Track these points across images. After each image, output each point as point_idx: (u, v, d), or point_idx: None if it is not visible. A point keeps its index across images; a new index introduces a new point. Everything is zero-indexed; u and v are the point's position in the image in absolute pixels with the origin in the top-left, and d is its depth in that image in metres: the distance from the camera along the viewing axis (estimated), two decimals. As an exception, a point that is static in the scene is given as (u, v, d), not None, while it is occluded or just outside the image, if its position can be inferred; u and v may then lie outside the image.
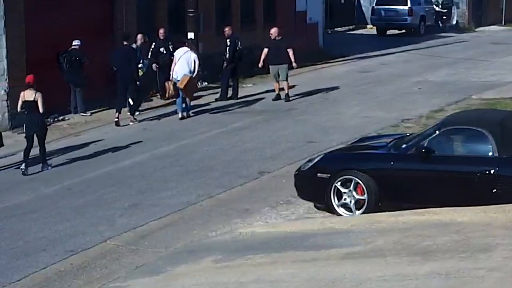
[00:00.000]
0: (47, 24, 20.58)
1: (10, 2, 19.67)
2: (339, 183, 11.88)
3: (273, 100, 22.16)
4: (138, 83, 20.38)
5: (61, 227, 12.36)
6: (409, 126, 18.00)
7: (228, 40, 22.80)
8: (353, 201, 11.83)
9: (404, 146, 11.88)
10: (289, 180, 13.27)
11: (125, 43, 20.40)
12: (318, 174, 12.08)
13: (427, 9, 40.55)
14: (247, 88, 24.30)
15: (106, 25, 22.88)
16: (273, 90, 22.40)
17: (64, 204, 13.63)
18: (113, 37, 22.76)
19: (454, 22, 43.41)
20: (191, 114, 20.52)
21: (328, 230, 10.68)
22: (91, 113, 20.82)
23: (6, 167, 16.39)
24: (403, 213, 10.86)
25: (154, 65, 22.16)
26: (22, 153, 15.90)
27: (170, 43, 22.23)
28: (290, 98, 22.05)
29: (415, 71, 27.39)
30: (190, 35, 23.33)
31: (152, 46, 22.41)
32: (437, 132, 11.64)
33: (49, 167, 15.99)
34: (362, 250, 9.48)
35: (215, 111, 21.24)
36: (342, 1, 41.70)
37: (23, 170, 15.69)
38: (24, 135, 16.16)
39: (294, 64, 22.08)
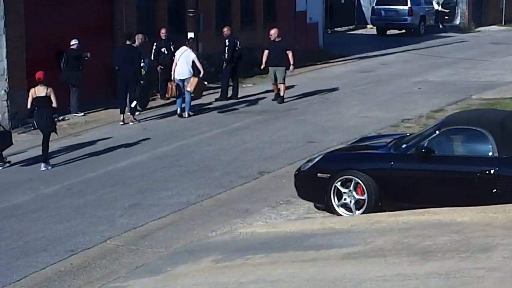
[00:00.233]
0: (47, 24, 20.59)
1: (10, 2, 19.67)
2: (339, 183, 11.88)
3: (273, 100, 22.12)
4: (142, 82, 20.40)
5: (61, 227, 12.36)
6: (409, 126, 18.01)
7: (227, 40, 22.80)
8: (353, 201, 11.83)
9: (404, 146, 11.88)
10: (289, 180, 13.27)
11: (127, 42, 20.41)
12: (318, 174, 12.08)
13: (427, 9, 40.56)
14: (247, 88, 24.31)
15: (106, 25, 22.87)
16: (273, 90, 22.34)
17: (64, 204, 13.64)
18: (113, 37, 22.76)
19: (458, 22, 43.39)
20: (191, 113, 20.53)
21: (328, 230, 10.68)
22: (84, 113, 20.77)
23: (7, 166, 16.39)
24: (403, 213, 10.86)
25: (158, 67, 22.19)
26: (41, 148, 16.12)
27: (171, 43, 22.24)
28: (285, 100, 21.94)
29: (415, 71, 27.40)
30: (190, 35, 23.34)
31: (154, 47, 22.43)
32: (437, 132, 11.64)
33: (50, 167, 16.01)
34: (362, 250, 9.48)
35: (224, 109, 21.26)
36: (342, 1, 41.70)
37: (43, 169, 15.90)
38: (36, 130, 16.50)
39: (291, 68, 21.98)
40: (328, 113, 20.35)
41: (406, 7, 38.86)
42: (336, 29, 40.95)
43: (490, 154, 11.20)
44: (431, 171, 11.38)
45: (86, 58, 20.75)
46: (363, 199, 11.74)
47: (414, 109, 20.32)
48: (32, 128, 17.10)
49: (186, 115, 20.42)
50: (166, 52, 22.13)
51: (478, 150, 11.46)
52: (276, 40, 22.22)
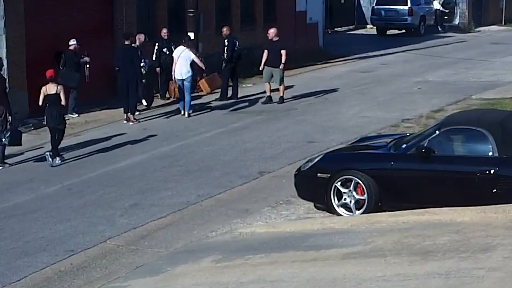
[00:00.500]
0: (47, 24, 20.60)
1: (10, 2, 19.67)
2: (339, 183, 11.87)
3: (262, 103, 21.74)
4: (143, 80, 20.40)
5: (61, 227, 12.36)
6: (409, 126, 18.00)
7: (226, 40, 22.79)
8: (353, 201, 11.83)
9: (404, 146, 11.88)
10: (289, 180, 13.27)
11: (126, 42, 20.43)
12: (318, 174, 12.07)
13: (427, 9, 40.55)
14: (247, 88, 24.30)
15: (106, 25, 22.88)
16: (276, 90, 22.01)
17: (64, 204, 13.64)
18: (113, 37, 22.76)
19: (457, 22, 43.39)
20: (190, 113, 20.57)
21: (328, 230, 10.68)
22: (79, 115, 20.73)
23: (7, 166, 16.40)
24: (403, 213, 10.86)
25: (158, 69, 22.22)
26: (50, 145, 16.43)
27: (172, 43, 22.24)
28: (285, 100, 21.81)
29: (415, 71, 27.40)
30: (190, 35, 23.35)
31: (156, 47, 22.44)
32: (437, 132, 11.64)
33: (60, 162, 16.30)
34: (362, 250, 9.48)
35: (224, 109, 21.27)
36: (342, 1, 41.70)
37: (57, 164, 16.17)
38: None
39: (280, 66, 21.56)
40: (328, 113, 20.35)
41: (406, 7, 38.84)
42: (336, 29, 40.94)
43: (490, 154, 11.19)
44: (431, 171, 11.38)
45: (87, 65, 20.67)
46: (363, 199, 11.74)
47: (414, 109, 20.32)
48: (44, 123, 17.41)
49: (186, 115, 20.43)
50: (167, 53, 22.13)
51: (478, 150, 11.45)
52: (274, 39, 22.02)
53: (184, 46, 20.95)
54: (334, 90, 23.74)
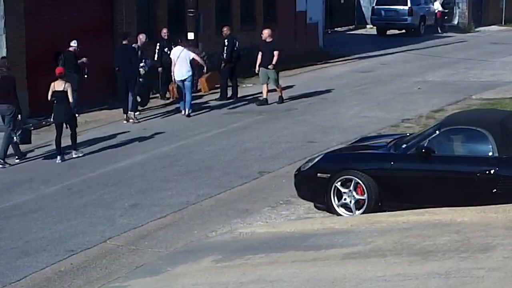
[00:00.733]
0: (47, 24, 20.59)
1: (10, 2, 19.67)
2: (339, 183, 11.87)
3: (257, 105, 21.61)
4: (141, 80, 20.39)
5: (61, 227, 12.36)
6: (409, 126, 18.00)
7: (226, 40, 22.78)
8: (353, 201, 11.82)
9: (404, 146, 11.88)
10: (289, 180, 13.27)
11: (124, 42, 20.43)
12: (318, 174, 12.07)
13: (427, 9, 40.56)
14: (247, 88, 24.30)
15: (106, 25, 22.88)
16: (274, 90, 22.15)
17: (64, 204, 13.64)
18: (113, 37, 22.77)
19: (456, 22, 43.40)
20: (190, 112, 20.58)
21: (328, 230, 10.68)
22: (79, 115, 20.63)
23: (7, 166, 16.41)
24: (403, 213, 10.86)
25: (160, 68, 22.21)
26: (54, 142, 16.64)
27: (172, 43, 22.25)
28: (285, 100, 21.78)
29: (415, 71, 27.40)
30: (190, 35, 23.35)
31: (157, 47, 22.45)
32: (437, 132, 11.64)
33: (81, 154, 16.75)
34: (362, 250, 9.48)
35: (224, 109, 21.27)
36: (342, 1, 41.71)
37: (59, 162, 16.41)
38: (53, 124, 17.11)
39: (270, 66, 21.35)
40: (328, 113, 20.35)
41: (406, 7, 38.85)
42: (336, 29, 40.96)
43: (490, 154, 11.19)
44: (431, 171, 11.38)
45: (85, 68, 20.62)
46: (363, 199, 11.74)
47: (414, 109, 20.32)
48: (51, 121, 17.59)
49: (187, 113, 20.46)
50: (168, 52, 22.13)
51: (478, 150, 11.45)
52: (267, 40, 21.86)
53: (181, 45, 20.96)
54: (334, 90, 23.74)
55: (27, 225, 12.58)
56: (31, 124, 19.17)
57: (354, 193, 11.80)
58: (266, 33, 22.03)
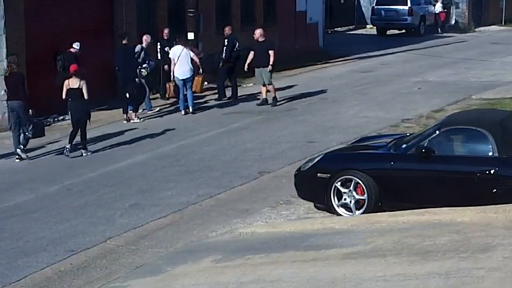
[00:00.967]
0: (47, 24, 20.59)
1: (10, 2, 19.67)
2: (339, 183, 11.87)
3: (257, 105, 21.62)
4: (137, 80, 20.36)
5: (61, 227, 12.36)
6: (409, 126, 18.00)
7: (226, 40, 22.77)
8: (353, 201, 11.82)
9: (404, 146, 11.88)
10: (289, 180, 13.27)
11: (123, 42, 20.43)
12: (318, 174, 12.07)
13: (427, 9, 40.57)
14: (246, 88, 24.30)
15: (106, 25, 22.88)
16: (271, 92, 22.05)
17: (64, 204, 13.64)
18: (113, 37, 22.77)
19: (453, 22, 43.42)
20: (190, 111, 20.60)
21: (328, 230, 10.67)
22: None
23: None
24: (403, 213, 10.86)
25: (166, 66, 22.20)
26: (68, 137, 16.89)
27: (174, 42, 22.24)
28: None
29: (415, 71, 27.40)
30: (190, 35, 23.35)
31: (159, 47, 22.46)
32: (437, 132, 11.63)
33: (89, 153, 16.88)
34: (362, 250, 9.48)
35: (224, 109, 21.27)
36: (342, 1, 41.71)
37: (67, 154, 16.63)
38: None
39: (269, 67, 21.30)
40: (328, 113, 20.35)
41: (406, 7, 38.87)
42: (336, 29, 40.97)
43: (490, 154, 11.19)
44: (431, 171, 11.38)
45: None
46: (363, 199, 11.74)
47: (414, 109, 20.32)
48: (68, 118, 17.90)
49: (191, 111, 20.52)
50: (169, 52, 22.12)
51: (478, 150, 11.45)
52: (260, 40, 21.71)
53: (181, 45, 20.96)
54: (334, 90, 23.74)
55: (27, 225, 12.58)
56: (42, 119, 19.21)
57: (354, 193, 11.80)
58: (258, 32, 21.94)
